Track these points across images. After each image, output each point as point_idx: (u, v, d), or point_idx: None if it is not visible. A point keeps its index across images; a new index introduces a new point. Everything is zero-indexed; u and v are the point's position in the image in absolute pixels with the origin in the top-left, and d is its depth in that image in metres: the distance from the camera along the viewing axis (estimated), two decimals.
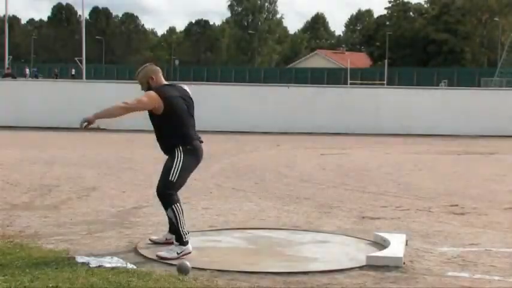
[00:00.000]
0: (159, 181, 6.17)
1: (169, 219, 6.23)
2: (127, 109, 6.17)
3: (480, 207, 9.12)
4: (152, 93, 6.20)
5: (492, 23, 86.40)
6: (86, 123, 6.02)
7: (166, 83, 6.45)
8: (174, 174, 6.11)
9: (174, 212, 6.09)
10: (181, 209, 6.15)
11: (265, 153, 15.72)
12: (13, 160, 13.27)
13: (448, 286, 5.40)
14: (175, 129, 6.21)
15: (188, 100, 6.40)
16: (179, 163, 6.13)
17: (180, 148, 6.18)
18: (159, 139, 6.35)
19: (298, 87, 27.51)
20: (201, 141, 6.36)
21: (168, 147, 6.26)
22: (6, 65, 34.30)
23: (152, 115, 6.27)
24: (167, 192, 6.10)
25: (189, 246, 6.13)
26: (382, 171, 12.82)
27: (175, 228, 6.16)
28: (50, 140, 18.03)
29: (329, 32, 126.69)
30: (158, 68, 6.51)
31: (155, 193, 6.24)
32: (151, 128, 6.39)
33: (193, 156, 6.25)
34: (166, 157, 6.30)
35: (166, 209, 6.15)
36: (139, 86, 6.56)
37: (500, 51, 71.07)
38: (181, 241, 6.10)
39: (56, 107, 22.39)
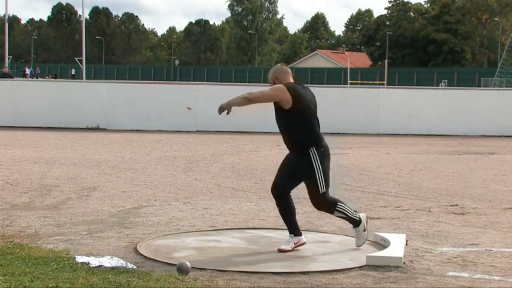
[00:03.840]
0: (313, 197, 6.27)
1: (340, 217, 6.49)
2: (249, 100, 6.18)
3: (480, 207, 9.13)
4: (280, 85, 6.21)
5: (492, 23, 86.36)
6: (225, 112, 6.14)
7: (294, 83, 6.39)
8: (322, 185, 6.20)
9: (340, 211, 6.34)
10: (342, 201, 6.39)
11: (265, 153, 15.73)
12: (13, 160, 13.27)
13: (448, 286, 5.39)
14: (305, 129, 6.22)
15: (315, 103, 6.43)
16: (320, 169, 6.17)
17: (315, 151, 6.19)
18: (289, 139, 6.29)
19: None
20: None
21: (301, 148, 6.22)
22: (7, 65, 34.34)
23: (280, 112, 6.22)
24: (325, 202, 6.27)
25: (362, 216, 6.49)
26: (382, 171, 12.82)
27: (348, 219, 6.44)
28: (50, 140, 18.03)
29: (329, 32, 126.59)
30: (287, 69, 6.48)
31: (312, 205, 6.42)
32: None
33: (327, 156, 6.29)
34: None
35: (332, 213, 6.37)
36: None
37: (500, 51, 71.02)
38: (357, 223, 6.44)
39: (56, 107, 22.42)
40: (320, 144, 6.24)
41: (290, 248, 6.32)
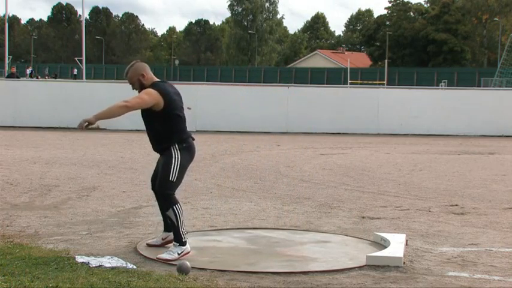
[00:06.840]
0: (159, 182, 6.13)
1: (169, 219, 6.16)
2: (128, 107, 6.02)
3: (480, 207, 9.13)
4: (151, 90, 6.10)
5: (492, 23, 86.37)
6: (86, 124, 5.89)
7: (157, 79, 6.31)
8: (174, 174, 6.08)
9: (175, 212, 6.06)
10: (182, 209, 6.14)
11: (265, 153, 15.72)
12: (13, 160, 13.27)
13: (448, 286, 5.39)
14: (172, 127, 6.17)
15: (180, 96, 6.34)
16: (177, 162, 6.11)
17: (176, 147, 6.15)
18: (154, 138, 6.25)
19: (298, 87, 27.52)
20: (193, 139, 6.34)
21: (164, 147, 6.19)
22: (7, 65, 34.43)
23: (149, 113, 6.17)
24: (168, 192, 6.08)
25: (188, 246, 6.14)
26: (382, 171, 12.82)
27: (174, 229, 6.13)
28: (50, 140, 18.03)
29: (329, 32, 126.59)
30: (146, 64, 6.39)
31: (155, 194, 6.24)
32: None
33: (188, 153, 6.23)
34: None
35: (166, 209, 6.11)
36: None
37: (500, 51, 71.06)
38: (180, 242, 6.10)
39: (56, 107, 22.42)
40: (184, 140, 6.21)
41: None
